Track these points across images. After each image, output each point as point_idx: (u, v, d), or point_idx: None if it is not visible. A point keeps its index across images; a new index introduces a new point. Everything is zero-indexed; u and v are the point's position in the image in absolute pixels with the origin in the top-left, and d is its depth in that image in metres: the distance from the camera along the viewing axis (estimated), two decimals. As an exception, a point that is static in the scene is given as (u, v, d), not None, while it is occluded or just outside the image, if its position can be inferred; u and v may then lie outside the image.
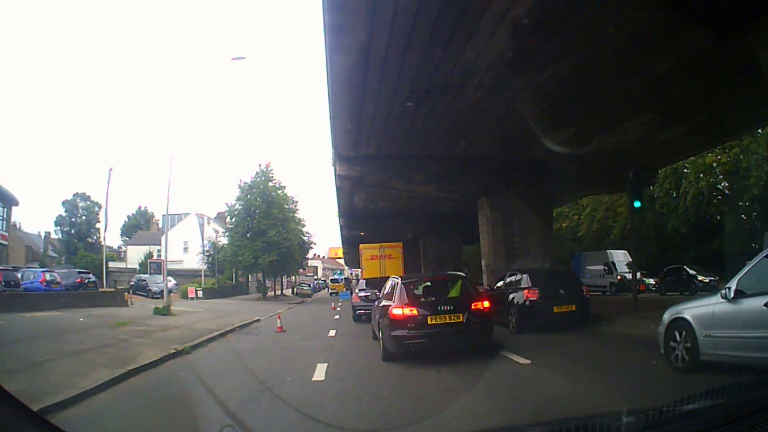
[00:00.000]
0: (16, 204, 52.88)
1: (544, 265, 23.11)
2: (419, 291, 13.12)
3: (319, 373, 10.54)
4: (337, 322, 24.36)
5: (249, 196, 52.32)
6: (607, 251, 36.35)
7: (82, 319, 21.21)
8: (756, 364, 7.66)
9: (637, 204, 20.19)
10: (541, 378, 9.81)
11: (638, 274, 25.15)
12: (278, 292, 66.89)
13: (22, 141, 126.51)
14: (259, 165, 55.63)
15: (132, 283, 52.13)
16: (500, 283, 19.76)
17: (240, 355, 14.53)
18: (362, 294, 24.23)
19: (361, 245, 39.56)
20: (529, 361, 10.88)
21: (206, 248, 60.95)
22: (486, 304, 12.08)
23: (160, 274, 55.73)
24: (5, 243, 50.80)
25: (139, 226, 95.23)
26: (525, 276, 17.80)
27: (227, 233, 56.41)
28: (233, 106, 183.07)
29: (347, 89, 18.38)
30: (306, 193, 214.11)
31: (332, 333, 18.99)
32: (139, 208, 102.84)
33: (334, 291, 68.02)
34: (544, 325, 15.74)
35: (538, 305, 16.31)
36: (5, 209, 50.64)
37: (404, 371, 10.80)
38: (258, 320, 25.70)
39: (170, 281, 57.19)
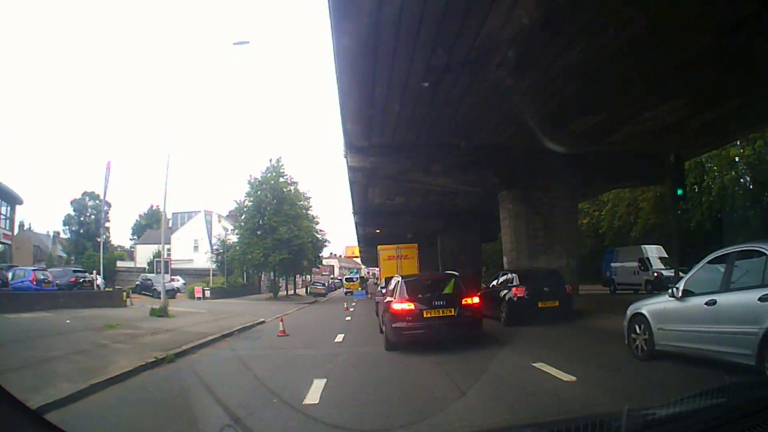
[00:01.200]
0: (20, 203, 51.72)
1: (532, 265, 24.57)
2: (418, 288, 14.17)
3: (314, 393, 8.52)
4: (348, 324, 22.48)
5: (259, 192, 50.44)
6: (641, 246, 33.98)
7: (68, 321, 19.68)
8: (697, 354, 8.92)
9: (679, 191, 18.08)
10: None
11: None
12: (291, 292, 65.12)
13: (32, 140, 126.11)
14: (270, 160, 53.92)
15: (137, 282, 50.84)
16: (494, 282, 21.63)
17: (229, 365, 12.60)
18: (383, 291, 23.80)
19: (379, 246, 41.19)
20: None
21: (215, 246, 58.92)
22: (475, 300, 13.65)
23: (167, 273, 54.37)
24: (8, 242, 49.37)
25: (150, 226, 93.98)
26: (515, 275, 19.90)
27: (235, 231, 54.31)
28: (242, 101, 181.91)
29: (356, 67, 16.70)
30: (322, 192, 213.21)
31: (339, 338, 16.97)
32: (151, 207, 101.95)
33: (348, 290, 66.81)
34: (530, 319, 17.23)
35: (525, 301, 18.18)
36: (8, 208, 49.11)
37: (421, 393, 8.84)
38: (263, 322, 23.89)
39: (178, 281, 56.65)
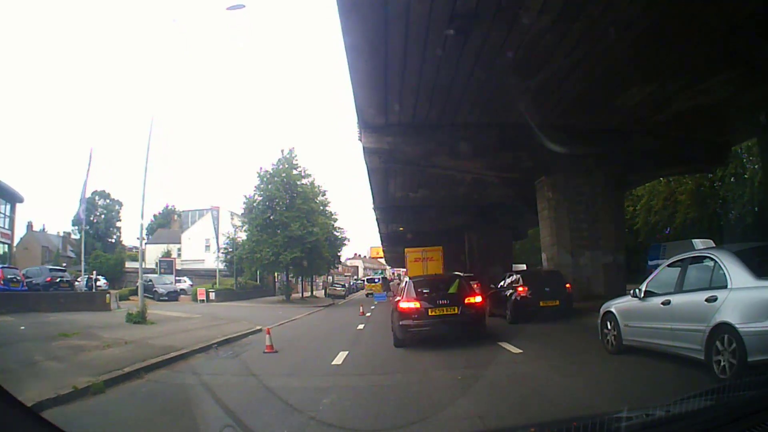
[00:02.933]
0: (20, 201, 49.33)
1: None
2: (424, 288, 15.17)
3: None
4: (358, 335, 18.60)
5: (270, 186, 46.73)
6: (692, 240, 30.67)
7: (22, 328, 17.42)
8: (657, 349, 9.85)
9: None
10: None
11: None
12: (308, 294, 61.99)
13: (43, 139, 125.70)
14: (282, 150, 49.52)
15: (137, 284, 47.77)
16: (502, 283, 22.53)
17: (162, 406, 8.55)
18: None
19: (406, 249, 43.07)
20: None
21: (223, 245, 54.91)
22: (478, 299, 14.50)
23: (171, 273, 51.30)
24: (7, 242, 46.90)
25: (165, 225, 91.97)
26: (519, 276, 21.25)
27: (244, 227, 50.65)
28: (253, 91, 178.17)
29: (364, 12, 13.69)
30: (346, 191, 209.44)
31: (340, 358, 12.69)
32: (167, 206, 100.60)
33: (370, 292, 63.79)
34: (532, 317, 18.54)
35: (528, 300, 19.28)
36: (8, 206, 46.37)
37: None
38: (258, 331, 20.04)
39: (185, 282, 53.59)
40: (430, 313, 13.68)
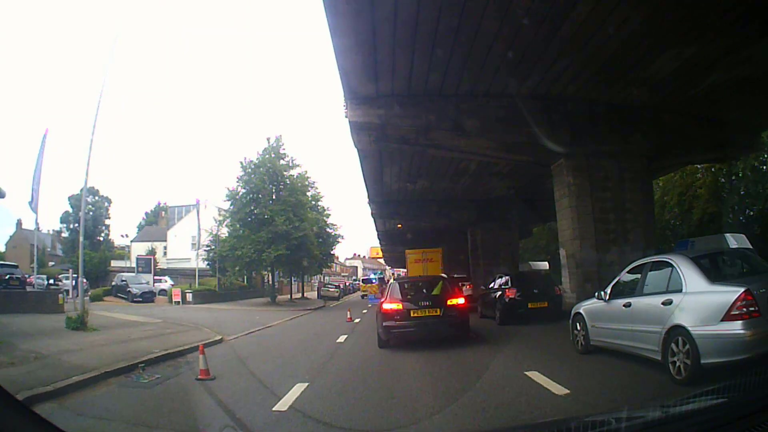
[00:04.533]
0: (2, 196, 46.33)
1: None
2: (408, 290, 15.95)
3: None
4: (334, 353, 14.64)
5: (254, 177, 43.03)
6: (724, 235, 27.58)
7: None
8: (620, 349, 10.30)
9: None
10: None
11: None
12: (299, 295, 59.15)
13: (39, 138, 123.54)
14: (268, 139, 45.58)
15: (113, 283, 45.28)
16: (492, 285, 23.44)
17: None
18: None
19: (406, 251, 43.80)
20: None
21: (205, 242, 50.89)
22: (461, 301, 14.80)
23: (149, 272, 48.01)
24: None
25: (155, 223, 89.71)
26: (508, 278, 21.87)
27: (225, 222, 46.97)
28: (251, 84, 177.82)
29: None
30: (345, 189, 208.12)
31: (291, 397, 8.54)
32: (159, 203, 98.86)
33: (365, 293, 62.01)
34: (521, 318, 19.18)
35: (517, 302, 19.86)
36: (-12, 201, 43.76)
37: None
38: (219, 341, 17.11)
39: (165, 282, 50.45)
40: (412, 315, 14.04)
